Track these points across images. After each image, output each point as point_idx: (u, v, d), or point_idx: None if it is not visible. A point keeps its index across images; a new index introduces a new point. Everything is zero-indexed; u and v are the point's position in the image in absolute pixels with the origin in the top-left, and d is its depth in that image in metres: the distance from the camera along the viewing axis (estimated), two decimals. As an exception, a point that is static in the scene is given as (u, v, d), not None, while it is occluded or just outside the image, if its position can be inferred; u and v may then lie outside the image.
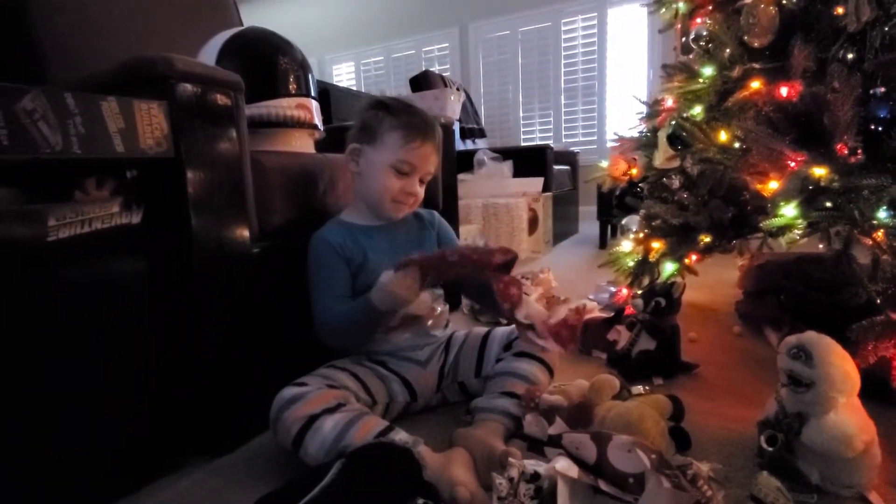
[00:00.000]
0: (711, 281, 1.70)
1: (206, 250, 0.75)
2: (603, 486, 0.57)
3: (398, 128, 0.84)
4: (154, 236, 0.70)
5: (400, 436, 0.69)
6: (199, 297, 0.74)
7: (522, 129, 3.96)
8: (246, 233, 0.81)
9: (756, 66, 0.95)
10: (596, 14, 3.55)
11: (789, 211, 0.81)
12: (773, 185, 0.84)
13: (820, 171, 0.79)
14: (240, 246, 0.80)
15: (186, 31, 1.24)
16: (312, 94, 1.09)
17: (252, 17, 1.42)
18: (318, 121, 1.11)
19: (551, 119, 3.84)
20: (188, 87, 0.70)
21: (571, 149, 3.44)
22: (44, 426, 0.61)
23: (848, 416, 0.61)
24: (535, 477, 0.57)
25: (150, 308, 0.71)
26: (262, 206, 0.86)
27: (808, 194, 0.80)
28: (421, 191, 0.89)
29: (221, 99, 0.75)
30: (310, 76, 1.09)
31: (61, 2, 1.02)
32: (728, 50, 1.01)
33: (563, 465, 0.58)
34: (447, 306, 0.95)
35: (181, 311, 0.74)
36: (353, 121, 0.91)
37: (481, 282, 0.76)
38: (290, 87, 1.03)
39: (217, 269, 0.76)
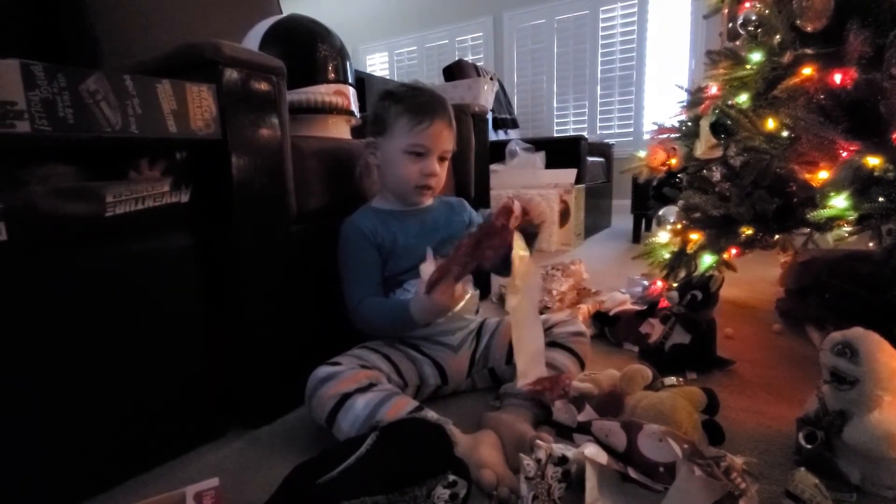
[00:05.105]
0: (751, 278, 1.64)
1: (249, 229, 0.78)
2: (632, 473, 0.57)
3: (404, 112, 0.84)
4: (201, 215, 0.73)
5: (430, 415, 0.70)
6: (242, 273, 0.78)
7: (556, 120, 3.90)
8: (285, 215, 0.83)
9: (808, 51, 0.91)
10: (636, 1, 3.44)
11: (839, 202, 0.78)
12: (822, 176, 0.81)
13: (874, 161, 0.75)
14: (280, 227, 0.82)
15: (229, 19, 1.28)
16: (350, 80, 1.11)
17: (288, 7, 1.45)
18: (354, 107, 1.13)
19: (586, 110, 3.76)
20: (234, 71, 0.73)
21: (606, 141, 3.37)
22: (97, 390, 0.65)
23: (893, 416, 0.59)
24: (564, 460, 0.57)
25: (196, 282, 0.75)
26: (301, 189, 0.88)
27: (861, 185, 0.76)
28: (442, 170, 0.89)
29: (265, 84, 0.78)
30: (347, 63, 1.11)
31: (114, -9, 1.07)
32: (778, 35, 0.97)
33: (592, 450, 0.58)
34: (477, 291, 0.95)
35: (226, 286, 0.78)
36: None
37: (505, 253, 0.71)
38: (329, 73, 1.05)
39: (258, 248, 0.79)
